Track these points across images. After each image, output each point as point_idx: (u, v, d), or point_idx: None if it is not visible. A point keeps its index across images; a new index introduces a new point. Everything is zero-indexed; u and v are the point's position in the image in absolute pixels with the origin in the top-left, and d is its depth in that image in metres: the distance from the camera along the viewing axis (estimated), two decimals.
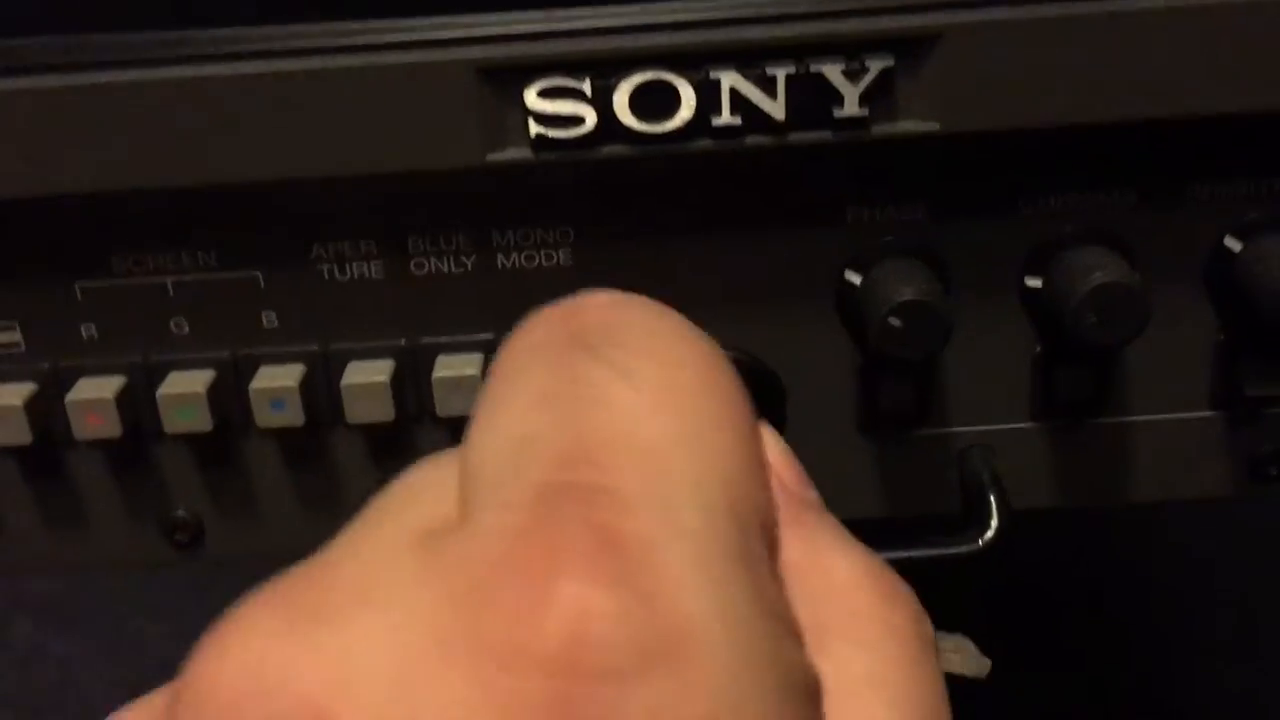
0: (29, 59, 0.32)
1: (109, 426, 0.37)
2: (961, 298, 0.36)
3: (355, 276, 0.36)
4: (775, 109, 0.31)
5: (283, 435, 0.38)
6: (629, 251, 0.36)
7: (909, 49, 0.31)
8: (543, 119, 0.31)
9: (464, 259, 0.36)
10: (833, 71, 0.31)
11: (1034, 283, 0.36)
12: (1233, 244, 0.36)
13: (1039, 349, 0.37)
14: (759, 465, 0.20)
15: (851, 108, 0.31)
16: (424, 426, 0.38)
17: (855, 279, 0.36)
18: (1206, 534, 0.80)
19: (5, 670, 0.84)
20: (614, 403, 0.19)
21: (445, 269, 0.36)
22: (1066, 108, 0.32)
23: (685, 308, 0.36)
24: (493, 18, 0.31)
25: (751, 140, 0.32)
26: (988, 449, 0.38)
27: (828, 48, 0.31)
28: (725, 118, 0.31)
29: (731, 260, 0.36)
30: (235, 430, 0.38)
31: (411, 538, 0.18)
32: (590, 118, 0.31)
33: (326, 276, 0.36)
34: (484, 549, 0.17)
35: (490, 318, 0.37)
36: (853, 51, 0.31)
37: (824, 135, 0.32)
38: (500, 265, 0.36)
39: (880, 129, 0.32)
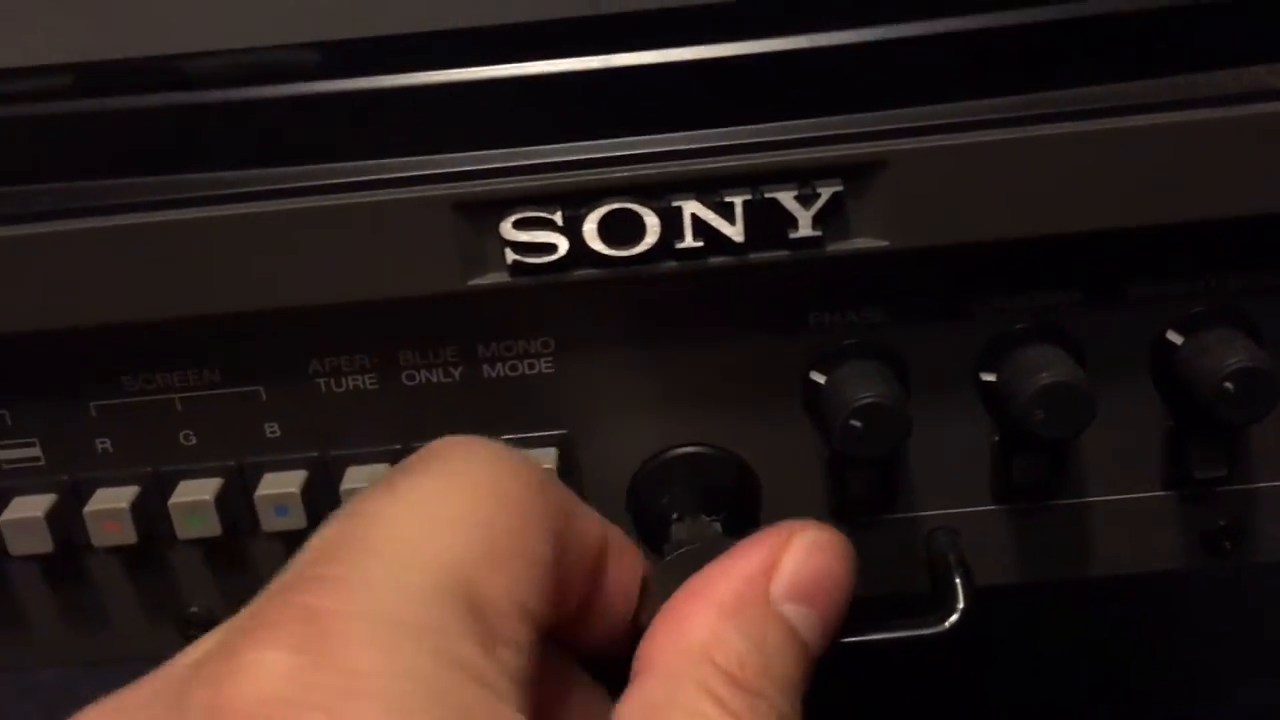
0: (42, 205, 0.34)
1: (125, 534, 0.39)
2: (922, 391, 0.38)
3: (351, 388, 0.39)
4: (735, 232, 0.34)
5: (287, 537, 0.40)
6: (607, 358, 0.38)
7: (856, 174, 0.33)
8: (518, 247, 0.34)
9: (452, 370, 0.39)
10: (786, 197, 0.34)
11: (989, 377, 0.38)
12: (1174, 337, 0.38)
13: (997, 437, 0.39)
14: (504, 558, 0.26)
15: (805, 229, 0.34)
16: None
17: (819, 379, 0.38)
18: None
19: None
20: (368, 512, 0.26)
21: (435, 379, 0.39)
22: (1005, 223, 0.34)
23: (662, 408, 0.39)
24: (467, 155, 0.34)
25: (714, 261, 0.34)
26: (953, 531, 0.40)
27: (781, 175, 0.33)
28: (688, 241, 0.34)
29: (704, 363, 0.38)
30: (243, 533, 0.40)
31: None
32: (563, 245, 0.34)
33: (324, 389, 0.39)
34: (219, 634, 0.24)
35: (479, 423, 0.39)
36: (804, 178, 0.33)
37: (781, 254, 0.34)
38: (486, 374, 0.39)
39: (834, 247, 0.34)
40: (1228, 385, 0.36)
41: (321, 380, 0.39)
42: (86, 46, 0.33)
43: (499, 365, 0.39)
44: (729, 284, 0.37)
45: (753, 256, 0.34)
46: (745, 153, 0.33)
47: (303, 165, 0.34)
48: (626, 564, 0.31)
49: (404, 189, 0.33)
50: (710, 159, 0.33)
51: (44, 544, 0.39)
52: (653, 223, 0.34)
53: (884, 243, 0.34)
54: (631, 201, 0.33)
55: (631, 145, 0.34)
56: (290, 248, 0.34)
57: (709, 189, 0.33)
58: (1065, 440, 0.39)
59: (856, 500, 0.40)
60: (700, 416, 0.39)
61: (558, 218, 0.34)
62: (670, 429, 0.39)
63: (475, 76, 0.33)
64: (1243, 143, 0.33)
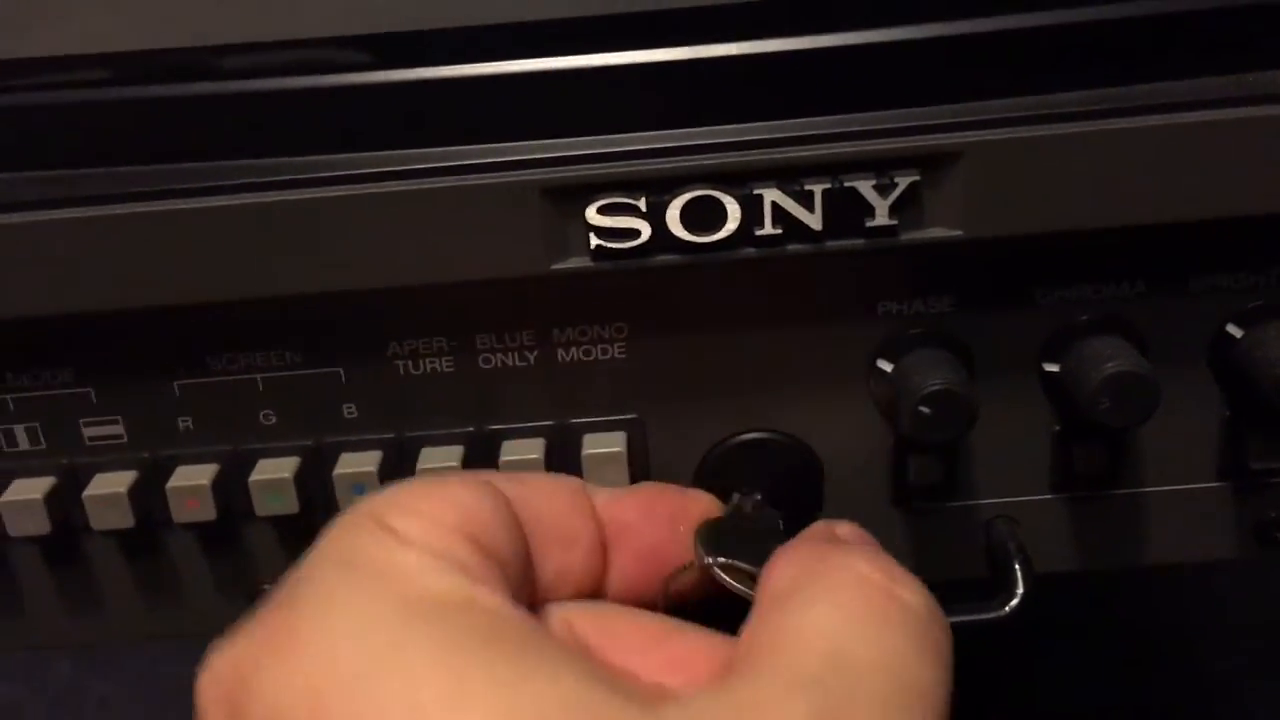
0: (134, 185, 0.35)
1: (204, 510, 0.40)
2: (985, 381, 0.39)
3: (428, 371, 0.40)
4: (813, 220, 0.35)
5: None
6: (678, 344, 0.39)
7: (933, 165, 0.34)
8: (602, 232, 0.35)
9: (527, 354, 0.40)
10: (864, 186, 0.35)
11: (1052, 368, 0.39)
12: (1234, 330, 0.39)
13: (1057, 427, 0.40)
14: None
15: (882, 218, 0.35)
16: None
17: (887, 367, 0.39)
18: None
19: (45, 710, 0.87)
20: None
21: (510, 362, 0.40)
22: (1075, 214, 0.35)
23: (731, 394, 0.40)
24: (556, 142, 0.35)
25: (791, 248, 0.35)
26: (1012, 520, 0.41)
27: (860, 165, 0.34)
28: (768, 229, 0.35)
29: (772, 350, 0.39)
30: (318, 512, 0.41)
31: None
32: (645, 231, 0.35)
33: (402, 372, 0.40)
34: None
35: (551, 406, 0.40)
36: (882, 168, 0.34)
37: (857, 243, 0.35)
38: (560, 358, 0.40)
39: (909, 236, 0.35)
40: None
41: (400, 363, 0.40)
42: (188, 31, 0.34)
43: (573, 350, 0.40)
44: (800, 273, 0.38)
45: (829, 244, 0.35)
46: (825, 143, 0.34)
47: (400, 149, 0.35)
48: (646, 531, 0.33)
49: (493, 174, 0.34)
50: (791, 148, 0.34)
51: (125, 519, 0.40)
52: (734, 210, 0.35)
53: (958, 232, 0.35)
54: (714, 188, 0.34)
55: (715, 134, 0.35)
56: (386, 230, 0.35)
57: (790, 177, 0.34)
58: (1129, 429, 0.40)
59: (918, 488, 0.41)
60: (766, 403, 0.40)
61: (641, 204, 0.35)
62: (737, 415, 0.40)
63: (564, 66, 0.34)
64: None
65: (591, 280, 0.37)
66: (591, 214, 0.35)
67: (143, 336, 0.39)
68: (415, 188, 0.34)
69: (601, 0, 0.34)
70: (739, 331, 0.39)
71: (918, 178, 0.35)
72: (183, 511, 0.40)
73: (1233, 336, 0.39)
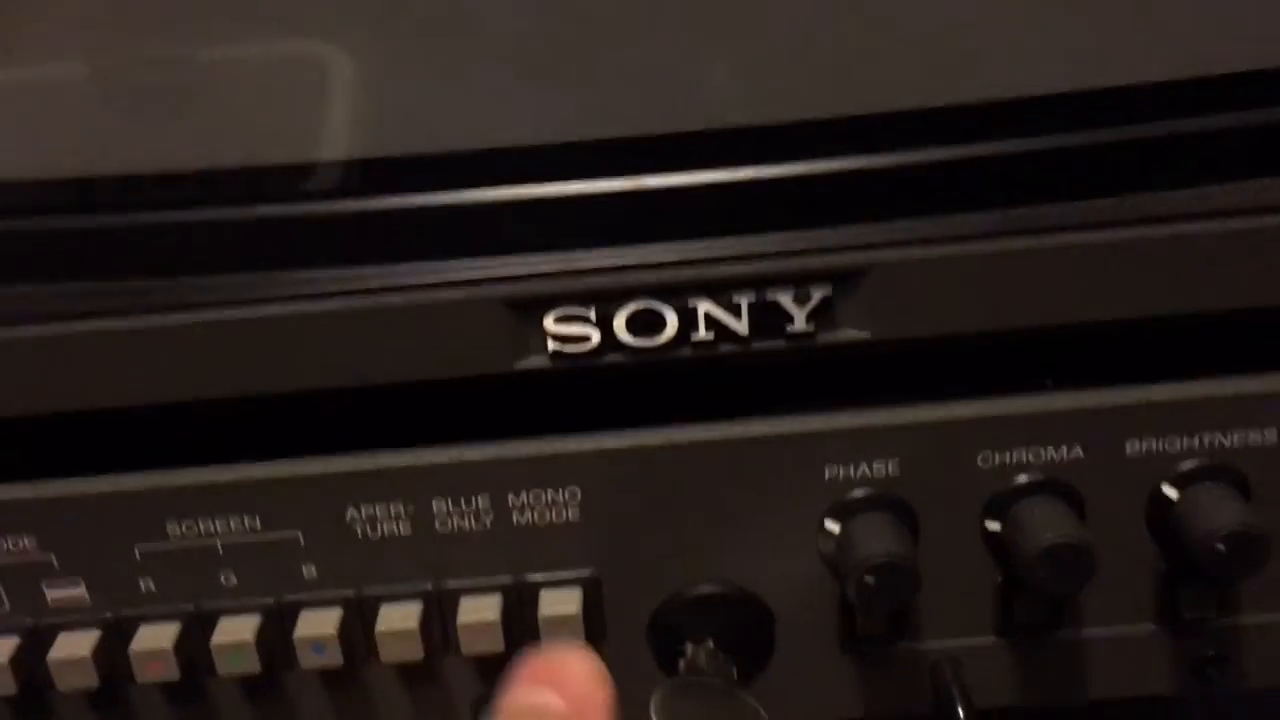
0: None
1: (168, 671, 0.41)
2: (929, 536, 0.41)
3: (386, 534, 0.42)
4: (740, 327, 0.39)
5: (324, 674, 0.42)
6: (632, 505, 0.42)
7: (844, 279, 0.39)
8: (558, 338, 0.39)
9: (484, 518, 0.42)
10: (784, 298, 0.39)
11: (994, 526, 0.41)
12: (1170, 492, 0.41)
13: (1000, 578, 0.42)
14: None
15: (800, 324, 0.39)
16: (451, 663, 0.42)
17: (834, 528, 0.41)
18: None
19: None
20: None
21: (466, 526, 0.42)
22: (969, 320, 0.39)
23: (684, 550, 0.42)
24: (517, 259, 0.39)
25: (723, 349, 0.39)
26: (956, 662, 0.42)
27: (780, 280, 0.39)
28: (701, 334, 0.39)
29: (723, 509, 0.42)
30: (280, 670, 0.42)
31: None
32: (596, 336, 0.39)
33: (360, 534, 0.42)
34: None
35: (507, 564, 0.42)
36: (800, 282, 0.39)
37: (779, 344, 0.39)
38: (515, 521, 0.42)
39: (824, 338, 0.40)
40: (1219, 546, 0.38)
41: (358, 526, 0.42)
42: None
43: (529, 512, 0.42)
44: (748, 451, 0.41)
45: (755, 346, 0.39)
46: (751, 260, 0.39)
47: (374, 266, 0.39)
48: None
49: (461, 289, 0.39)
50: (721, 264, 0.39)
51: (89, 679, 0.41)
52: (672, 319, 0.39)
53: (866, 334, 0.39)
54: (654, 300, 0.39)
55: (654, 253, 0.39)
56: (364, 337, 0.39)
57: (720, 290, 0.39)
58: (1067, 596, 0.42)
59: (866, 634, 0.42)
60: (720, 556, 0.42)
61: (592, 314, 0.39)
62: (690, 569, 0.42)
63: (526, 194, 0.39)
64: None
65: (545, 444, 0.41)
66: (549, 323, 0.39)
67: (103, 505, 0.41)
68: (397, 302, 0.39)
69: (557, 130, 0.40)
70: (691, 492, 0.42)
71: (830, 291, 0.39)
72: (146, 673, 0.41)
73: (1168, 498, 0.41)
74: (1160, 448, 0.41)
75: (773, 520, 0.42)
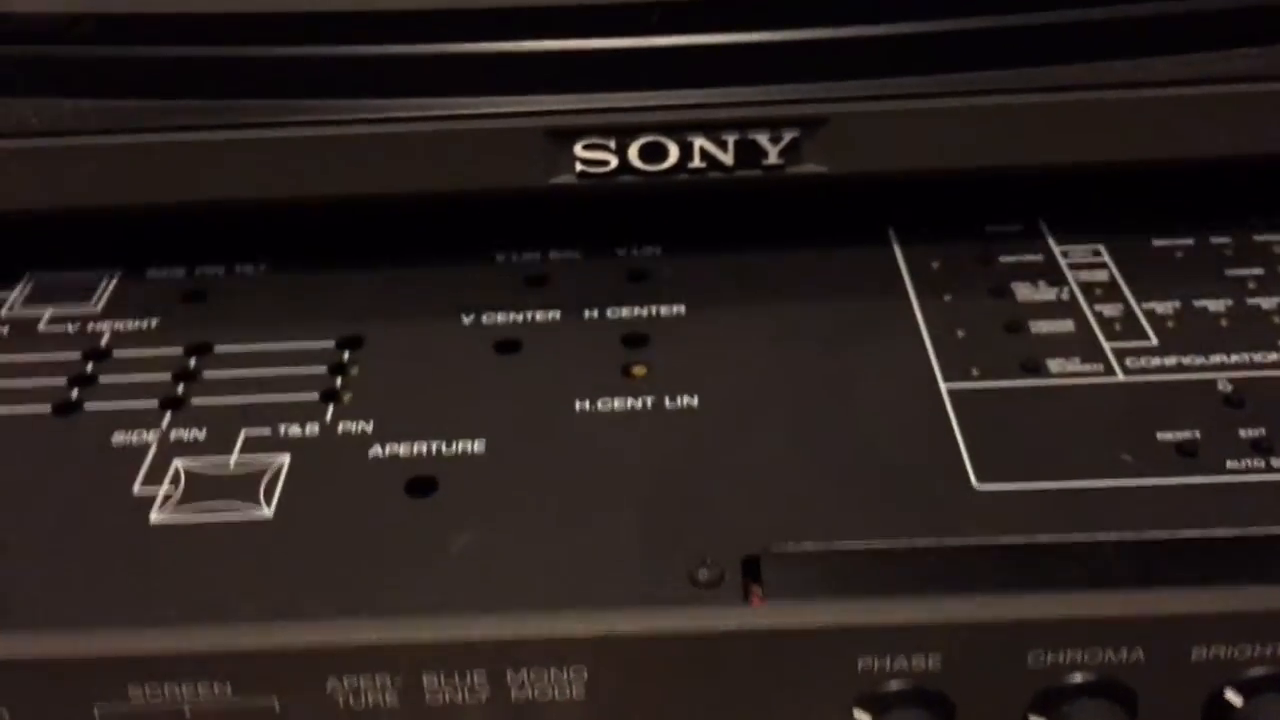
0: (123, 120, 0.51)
1: None
2: None
3: (370, 706, 0.38)
4: (727, 158, 0.51)
5: None
6: (636, 693, 0.38)
7: (810, 124, 0.51)
8: (585, 161, 0.51)
9: (478, 694, 0.38)
10: (762, 137, 0.51)
11: None
12: (1233, 698, 0.38)
13: None
14: None
15: (773, 159, 0.51)
16: None
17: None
18: None
19: None
20: None
21: (459, 701, 0.38)
22: (909, 161, 0.51)
23: None
24: (556, 98, 0.51)
25: (712, 175, 0.51)
26: None
27: (759, 123, 0.51)
28: (696, 163, 0.51)
29: (749, 695, 0.38)
30: None
31: None
32: (614, 161, 0.51)
33: (342, 705, 0.38)
34: None
35: None
36: (775, 126, 0.51)
37: (756, 173, 0.51)
38: (514, 698, 0.38)
39: (791, 170, 0.51)
40: None
41: (341, 697, 0.38)
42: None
43: (528, 689, 0.38)
44: (772, 650, 0.38)
45: (737, 173, 0.51)
46: (737, 107, 0.51)
47: (435, 97, 0.51)
48: None
49: (510, 119, 0.51)
50: (714, 108, 0.51)
51: None
52: (674, 150, 0.51)
53: (824, 169, 0.51)
54: (660, 135, 0.51)
55: (662, 98, 0.51)
56: (412, 152, 0.50)
57: (712, 130, 0.51)
58: None
59: None
60: None
61: (612, 144, 0.51)
62: None
63: (564, 47, 0.50)
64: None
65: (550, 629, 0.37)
66: (578, 149, 0.51)
67: (64, 664, 0.37)
68: (465, 126, 0.50)
69: None
70: (709, 675, 0.38)
71: (798, 134, 0.51)
72: None
73: (1231, 704, 0.38)
74: (1230, 655, 0.38)
75: (801, 705, 0.38)
